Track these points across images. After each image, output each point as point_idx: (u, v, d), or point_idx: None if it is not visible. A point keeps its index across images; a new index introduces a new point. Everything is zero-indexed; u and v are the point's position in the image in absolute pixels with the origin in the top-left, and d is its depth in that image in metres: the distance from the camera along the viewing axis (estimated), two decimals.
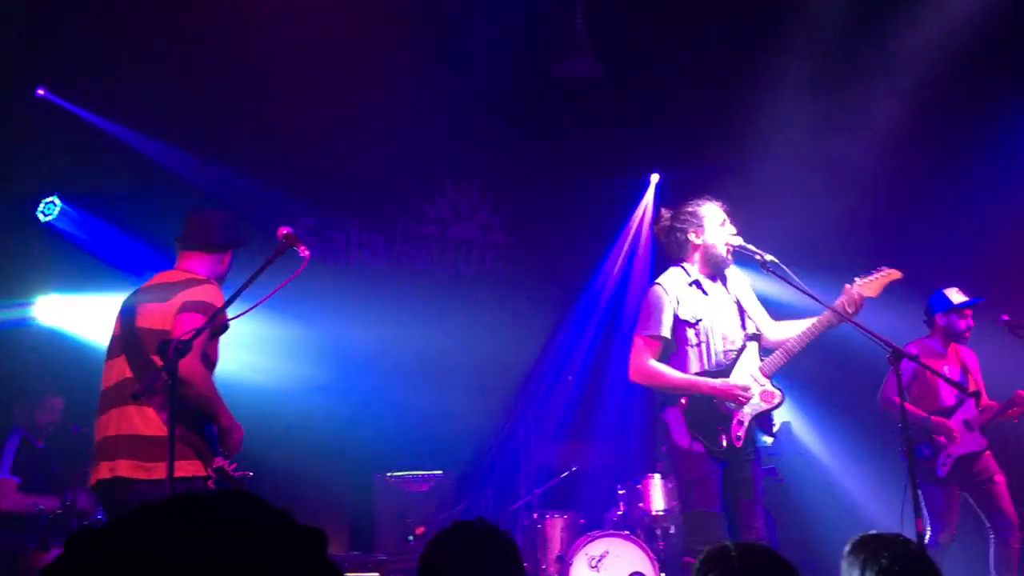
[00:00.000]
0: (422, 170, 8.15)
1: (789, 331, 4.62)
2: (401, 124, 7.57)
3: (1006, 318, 6.14)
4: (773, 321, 4.77)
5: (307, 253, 4.10)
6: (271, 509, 1.05)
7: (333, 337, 7.32)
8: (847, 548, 2.33)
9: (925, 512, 5.93)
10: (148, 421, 3.92)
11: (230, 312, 4.05)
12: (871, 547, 2.29)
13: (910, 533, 5.85)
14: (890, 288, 4.62)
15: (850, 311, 4.45)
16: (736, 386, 4.45)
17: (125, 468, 3.87)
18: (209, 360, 4.11)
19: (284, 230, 4.11)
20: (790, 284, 4.45)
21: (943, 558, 5.82)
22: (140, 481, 3.85)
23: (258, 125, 7.12)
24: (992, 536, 5.97)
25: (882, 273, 4.59)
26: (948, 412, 6.07)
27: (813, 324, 4.51)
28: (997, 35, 7.02)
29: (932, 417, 6.00)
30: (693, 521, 4.51)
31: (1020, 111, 7.22)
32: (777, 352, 4.58)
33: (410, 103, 7.52)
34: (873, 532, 2.34)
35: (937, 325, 6.24)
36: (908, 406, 5.96)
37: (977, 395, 6.04)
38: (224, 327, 4.17)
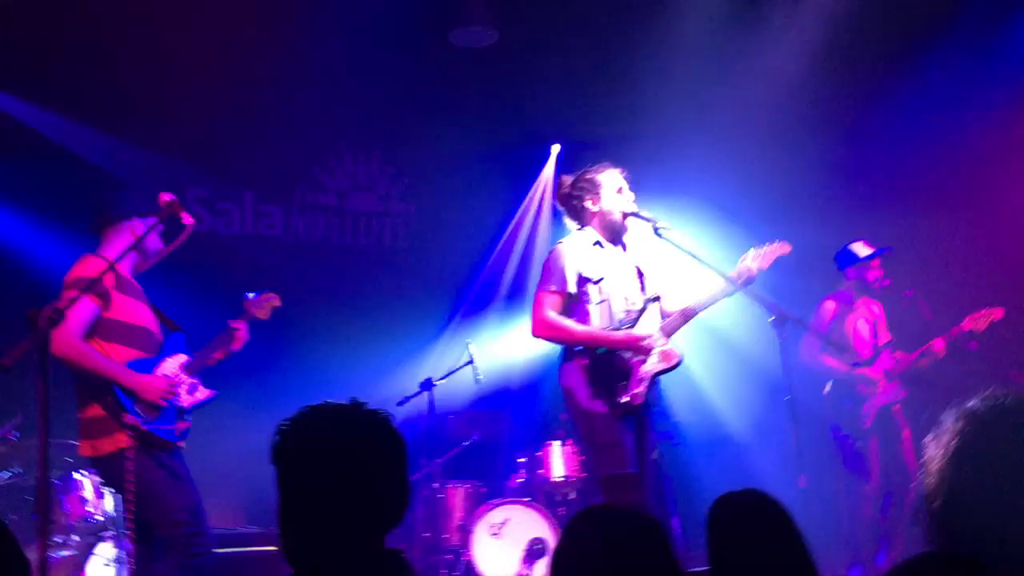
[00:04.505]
0: (319, 139, 7.96)
1: (688, 299, 4.67)
2: (296, 92, 7.36)
3: (910, 294, 6.31)
4: (674, 290, 4.80)
5: (190, 220, 4.03)
6: None
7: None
8: (709, 510, 2.30)
9: (848, 466, 6.12)
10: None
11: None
12: (728, 507, 2.29)
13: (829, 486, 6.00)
14: (795, 250, 4.78)
15: (741, 281, 4.54)
16: (638, 336, 4.45)
17: None
18: (120, 323, 4.07)
19: (166, 197, 4.03)
20: (684, 251, 4.54)
21: (873, 508, 6.00)
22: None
23: (145, 92, 6.82)
24: (888, 489, 6.13)
25: (774, 245, 4.71)
26: (866, 364, 6.20)
27: (710, 292, 4.59)
28: None
29: (855, 370, 6.14)
30: (609, 486, 4.33)
31: (917, 66, 7.30)
32: (676, 314, 4.61)
33: (305, 70, 7.32)
34: (730, 492, 2.31)
35: (848, 279, 6.41)
36: (829, 360, 6.15)
37: (891, 345, 6.26)
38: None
